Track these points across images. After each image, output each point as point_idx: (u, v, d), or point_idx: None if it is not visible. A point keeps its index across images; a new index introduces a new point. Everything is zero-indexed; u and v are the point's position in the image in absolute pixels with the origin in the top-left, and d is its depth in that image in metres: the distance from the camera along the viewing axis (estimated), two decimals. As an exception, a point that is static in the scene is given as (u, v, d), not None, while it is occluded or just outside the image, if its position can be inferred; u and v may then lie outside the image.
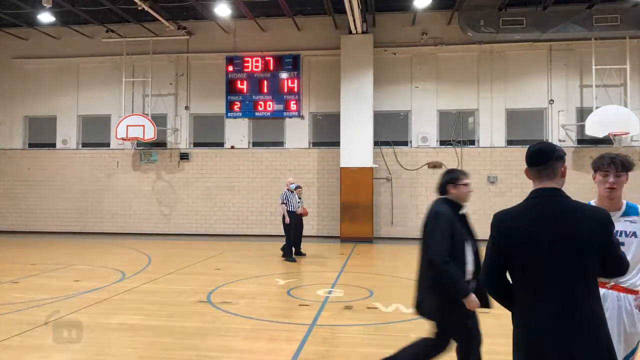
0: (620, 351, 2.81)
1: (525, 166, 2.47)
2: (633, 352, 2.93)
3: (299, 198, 11.63)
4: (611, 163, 2.93)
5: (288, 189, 11.50)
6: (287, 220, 11.21)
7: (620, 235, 2.91)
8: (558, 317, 2.14)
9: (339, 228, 15.15)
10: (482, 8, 14.67)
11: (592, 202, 3.06)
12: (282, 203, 11.37)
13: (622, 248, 2.68)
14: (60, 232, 16.91)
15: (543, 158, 2.33)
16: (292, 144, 16.29)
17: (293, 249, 11.35)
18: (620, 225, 2.92)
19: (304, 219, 12.00)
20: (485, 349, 5.20)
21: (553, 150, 2.35)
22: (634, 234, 2.92)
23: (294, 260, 11.07)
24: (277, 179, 16.15)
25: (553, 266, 2.18)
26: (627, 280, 2.90)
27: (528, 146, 2.48)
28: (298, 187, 11.78)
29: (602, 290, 2.78)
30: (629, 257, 2.73)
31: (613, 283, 2.93)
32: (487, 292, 2.42)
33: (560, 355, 2.12)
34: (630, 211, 2.98)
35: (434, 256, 3.39)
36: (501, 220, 2.36)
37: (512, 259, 2.27)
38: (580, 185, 14.78)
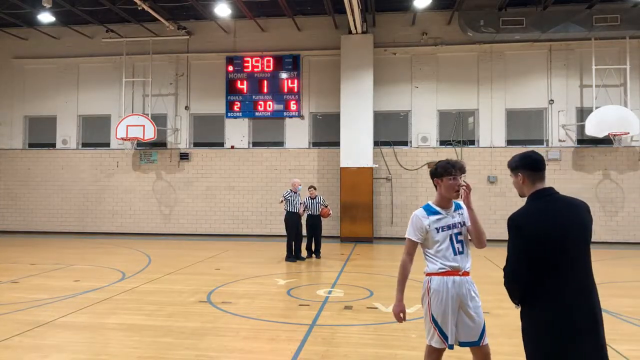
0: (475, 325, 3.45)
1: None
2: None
3: (311, 198, 11.54)
4: (457, 168, 3.51)
5: (292, 190, 11.36)
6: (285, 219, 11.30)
7: (457, 227, 3.52)
8: (582, 293, 2.62)
9: (339, 228, 15.15)
10: (482, 8, 14.68)
11: (431, 203, 3.61)
12: (281, 201, 11.38)
13: (460, 236, 3.50)
14: (60, 232, 16.91)
15: (543, 164, 2.85)
16: (292, 144, 16.29)
17: (293, 249, 11.28)
18: (456, 218, 3.55)
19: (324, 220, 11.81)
20: (486, 349, 5.20)
21: None
22: (464, 223, 3.56)
23: (293, 261, 11.06)
24: (277, 179, 16.16)
25: (575, 252, 2.64)
26: (468, 264, 3.51)
27: (523, 153, 2.91)
28: (311, 187, 11.69)
29: (457, 278, 3.42)
30: (463, 243, 3.51)
31: (465, 270, 3.47)
32: (509, 285, 2.77)
33: (589, 319, 2.61)
34: (457, 206, 3.61)
35: None
36: (524, 219, 2.72)
37: (539, 252, 2.63)
38: (581, 185, 14.81)
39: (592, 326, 2.61)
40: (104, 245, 14.06)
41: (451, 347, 3.42)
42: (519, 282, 2.69)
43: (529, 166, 2.82)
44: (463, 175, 3.56)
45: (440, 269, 3.45)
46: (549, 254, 2.62)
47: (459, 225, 3.54)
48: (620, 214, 14.69)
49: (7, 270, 9.71)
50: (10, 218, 17.37)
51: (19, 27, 16.89)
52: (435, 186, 3.60)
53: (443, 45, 15.64)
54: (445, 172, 3.51)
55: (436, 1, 14.69)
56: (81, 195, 17.06)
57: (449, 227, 3.50)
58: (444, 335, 3.40)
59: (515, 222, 2.71)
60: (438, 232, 3.48)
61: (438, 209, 3.56)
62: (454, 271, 3.45)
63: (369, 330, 5.83)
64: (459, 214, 3.57)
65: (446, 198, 3.54)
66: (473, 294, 3.47)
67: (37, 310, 6.63)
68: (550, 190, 2.77)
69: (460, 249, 3.50)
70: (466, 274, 3.48)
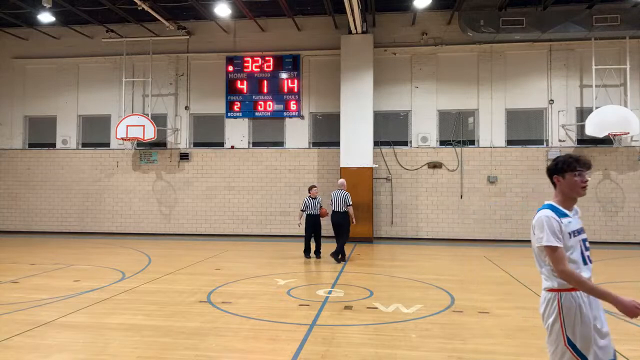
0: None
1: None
2: None
3: (312, 198, 11.48)
4: (581, 163, 3.09)
5: (344, 190, 11.32)
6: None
7: (583, 232, 3.08)
8: None
9: (339, 228, 15.13)
10: (482, 8, 14.67)
11: (553, 203, 3.11)
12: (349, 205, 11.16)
13: (587, 243, 3.05)
14: (60, 232, 16.92)
15: None
16: (292, 144, 16.29)
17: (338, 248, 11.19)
18: (580, 221, 3.11)
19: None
20: (485, 348, 5.21)
21: None
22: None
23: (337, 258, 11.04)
24: (277, 179, 16.16)
25: None
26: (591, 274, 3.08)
27: None
28: (314, 187, 11.63)
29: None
30: (589, 250, 3.05)
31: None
32: None
33: None
34: (575, 209, 3.17)
35: None
36: None
37: None
38: (580, 185, 14.78)
39: None
40: (104, 245, 14.06)
41: None
42: None
43: None
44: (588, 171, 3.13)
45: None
46: None
47: (584, 230, 3.09)
48: (620, 214, 14.69)
49: (7, 270, 9.71)
50: (10, 218, 17.37)
51: (19, 27, 16.89)
52: (554, 184, 3.13)
53: (443, 45, 15.65)
54: (567, 168, 3.07)
55: (436, 1, 14.69)
56: (81, 195, 17.07)
57: (578, 232, 3.04)
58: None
59: None
60: (570, 237, 2.99)
61: (563, 210, 3.07)
62: None
63: (369, 330, 5.83)
64: (579, 216, 3.14)
65: (569, 198, 3.09)
66: (601, 306, 3.02)
67: (37, 310, 6.63)
68: None
69: (589, 258, 3.05)
70: None
